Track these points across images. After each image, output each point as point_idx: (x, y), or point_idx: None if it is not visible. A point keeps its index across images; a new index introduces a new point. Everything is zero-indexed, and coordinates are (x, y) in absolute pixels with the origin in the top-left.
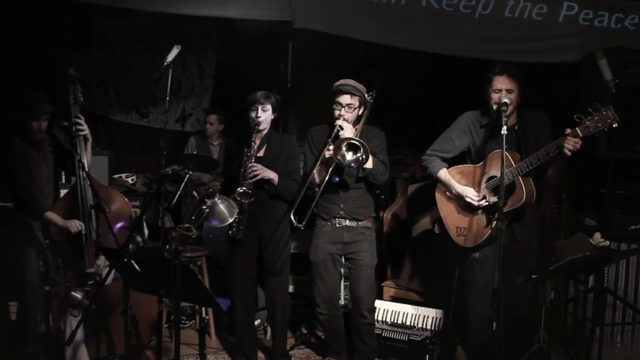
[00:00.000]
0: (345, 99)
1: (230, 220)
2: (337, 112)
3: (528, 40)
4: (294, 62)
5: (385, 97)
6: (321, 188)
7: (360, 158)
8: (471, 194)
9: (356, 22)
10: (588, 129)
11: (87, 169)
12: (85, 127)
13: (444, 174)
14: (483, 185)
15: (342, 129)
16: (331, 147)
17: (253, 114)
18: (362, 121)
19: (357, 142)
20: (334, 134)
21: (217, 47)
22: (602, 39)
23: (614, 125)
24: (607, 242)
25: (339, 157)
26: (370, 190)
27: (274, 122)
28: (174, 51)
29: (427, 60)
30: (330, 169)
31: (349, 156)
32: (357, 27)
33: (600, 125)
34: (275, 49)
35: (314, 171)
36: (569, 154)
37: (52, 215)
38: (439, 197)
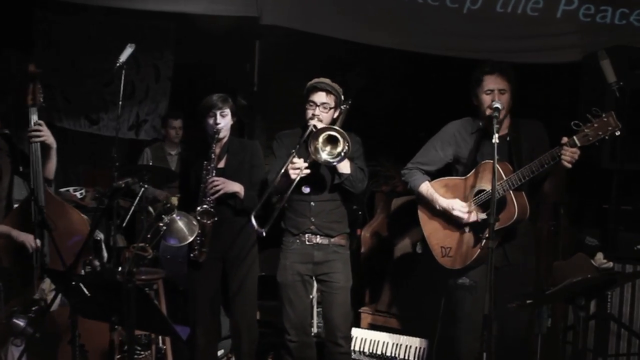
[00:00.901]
0: (320, 97)
1: (190, 239)
2: (310, 112)
3: (522, 39)
4: (261, 62)
5: (364, 102)
6: (285, 196)
7: (342, 153)
8: (459, 207)
9: (331, 18)
10: (587, 138)
11: (48, 181)
12: (45, 132)
13: (425, 188)
14: (471, 200)
15: (316, 129)
16: (296, 162)
17: (211, 121)
18: (338, 124)
19: (337, 134)
20: (306, 135)
21: (175, 47)
22: (604, 37)
23: (616, 134)
24: (611, 264)
25: (315, 154)
26: (345, 202)
27: (235, 128)
28: (128, 50)
29: (410, 60)
30: (295, 183)
31: (326, 153)
32: (331, 24)
33: (600, 133)
34: (240, 48)
35: (280, 174)
36: (568, 165)
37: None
38: (421, 213)
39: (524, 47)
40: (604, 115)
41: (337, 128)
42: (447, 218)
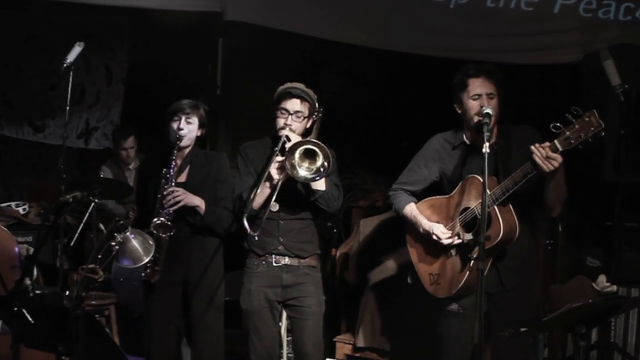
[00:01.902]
0: (293, 104)
1: (146, 260)
2: (282, 121)
3: (515, 37)
4: (224, 63)
5: (339, 107)
6: (264, 216)
7: (321, 168)
8: (438, 231)
9: (303, 14)
10: (569, 141)
11: None
12: None
13: (409, 210)
14: (457, 219)
15: (289, 140)
16: (280, 159)
17: (174, 125)
18: (312, 136)
19: (315, 147)
20: (279, 147)
21: (129, 46)
22: (607, 35)
23: (601, 134)
24: (614, 287)
25: (292, 171)
26: (315, 221)
27: (200, 139)
28: (76, 50)
29: (391, 61)
30: (277, 190)
31: (304, 168)
32: (304, 21)
33: (582, 135)
34: (201, 47)
35: (255, 193)
36: (545, 169)
37: None
38: (409, 238)
39: (517, 46)
40: (585, 114)
41: (315, 141)
42: (432, 242)
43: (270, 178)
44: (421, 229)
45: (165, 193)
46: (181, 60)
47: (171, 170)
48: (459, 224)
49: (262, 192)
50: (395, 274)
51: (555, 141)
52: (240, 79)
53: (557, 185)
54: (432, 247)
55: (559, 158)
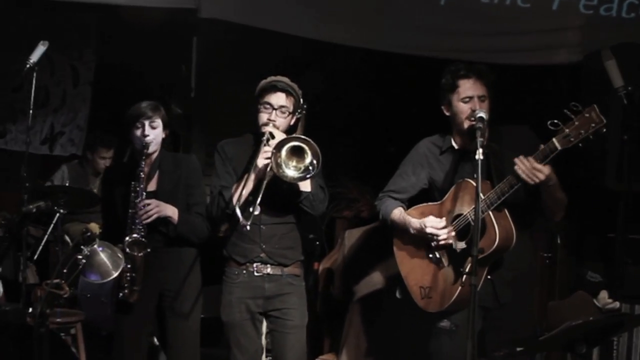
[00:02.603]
0: (278, 98)
1: (115, 275)
2: (265, 116)
3: (511, 36)
4: (199, 63)
5: (322, 110)
6: (248, 221)
7: (310, 167)
8: (431, 222)
9: (283, 11)
10: (568, 139)
11: None
12: None
13: (398, 213)
14: (450, 227)
15: (272, 137)
16: (267, 149)
17: (138, 133)
18: (298, 131)
19: (303, 144)
20: (262, 145)
21: (97, 45)
22: (610, 33)
23: (602, 131)
24: (617, 304)
25: (279, 170)
26: (299, 226)
27: (168, 142)
28: (40, 49)
29: (377, 61)
30: (263, 188)
31: (291, 167)
32: (284, 18)
33: (583, 132)
34: (174, 46)
35: (241, 190)
36: (531, 183)
37: None
38: (397, 248)
39: (513, 45)
40: (585, 110)
41: (303, 137)
42: (424, 251)
43: (257, 170)
44: (412, 229)
45: (137, 208)
46: (153, 60)
47: (141, 184)
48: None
49: (248, 187)
50: (382, 288)
51: (554, 139)
52: (216, 80)
53: (551, 194)
54: (424, 257)
55: (545, 170)
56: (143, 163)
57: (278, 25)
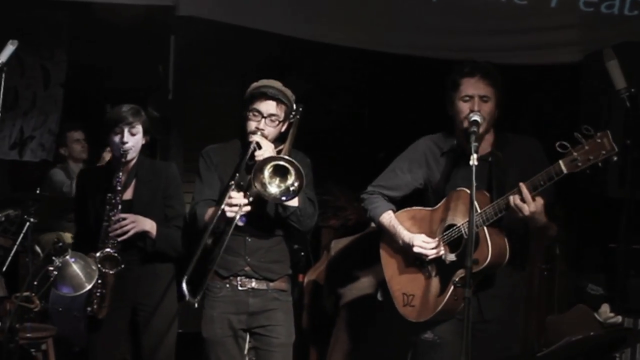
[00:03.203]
0: (268, 106)
1: (88, 287)
2: (253, 124)
3: (507, 34)
4: (177, 64)
5: (307, 113)
6: (229, 234)
7: (291, 188)
8: (420, 242)
9: (266, 8)
10: (575, 164)
11: None
12: None
13: (388, 218)
14: (439, 236)
15: (259, 147)
16: (235, 195)
17: (117, 139)
18: (288, 142)
19: (287, 164)
20: (248, 155)
21: (69, 44)
22: (611, 32)
23: (613, 159)
24: (619, 318)
25: (259, 187)
26: (287, 238)
27: (145, 147)
28: (8, 49)
29: (367, 62)
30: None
31: (274, 186)
32: (267, 16)
33: (592, 157)
34: (151, 46)
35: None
36: (518, 215)
37: None
38: (383, 251)
39: (509, 44)
40: (597, 135)
41: (287, 157)
42: (411, 257)
43: (220, 220)
44: (400, 241)
45: (111, 222)
46: (128, 60)
47: (117, 197)
48: (442, 243)
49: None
50: (370, 302)
51: (561, 162)
52: (195, 81)
53: (535, 232)
54: (410, 263)
55: (533, 207)
56: (120, 173)
57: (261, 23)
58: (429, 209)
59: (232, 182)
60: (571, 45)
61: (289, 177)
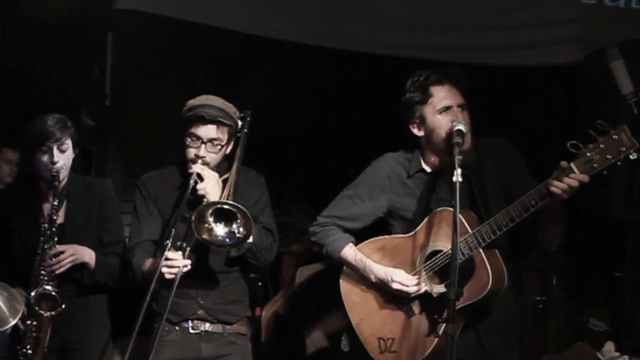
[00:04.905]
0: (207, 131)
1: (12, 323)
2: (192, 152)
3: (500, 32)
4: (115, 65)
5: (265, 121)
6: (174, 288)
7: (238, 233)
8: (400, 278)
9: (220, 2)
10: (591, 165)
11: None
12: None
13: (352, 252)
14: (422, 267)
15: (201, 179)
16: (172, 255)
17: (45, 158)
18: (235, 165)
19: (231, 208)
20: (189, 190)
21: None
22: (616, 28)
23: (631, 157)
24: (626, 358)
25: (203, 235)
26: (245, 273)
27: (77, 162)
28: None
29: (333, 63)
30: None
31: (220, 230)
32: (221, 11)
33: (610, 157)
34: (85, 44)
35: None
36: (565, 196)
37: None
38: (346, 292)
39: (502, 43)
40: (613, 131)
41: (231, 202)
42: (386, 295)
43: (169, 259)
44: (373, 277)
45: (47, 255)
46: (59, 61)
47: (53, 228)
48: (424, 273)
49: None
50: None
51: (572, 165)
52: (136, 85)
53: (556, 214)
54: (385, 301)
55: (580, 176)
56: (50, 196)
57: (214, 19)
58: (402, 236)
59: (168, 242)
60: (570, 43)
61: (234, 221)
